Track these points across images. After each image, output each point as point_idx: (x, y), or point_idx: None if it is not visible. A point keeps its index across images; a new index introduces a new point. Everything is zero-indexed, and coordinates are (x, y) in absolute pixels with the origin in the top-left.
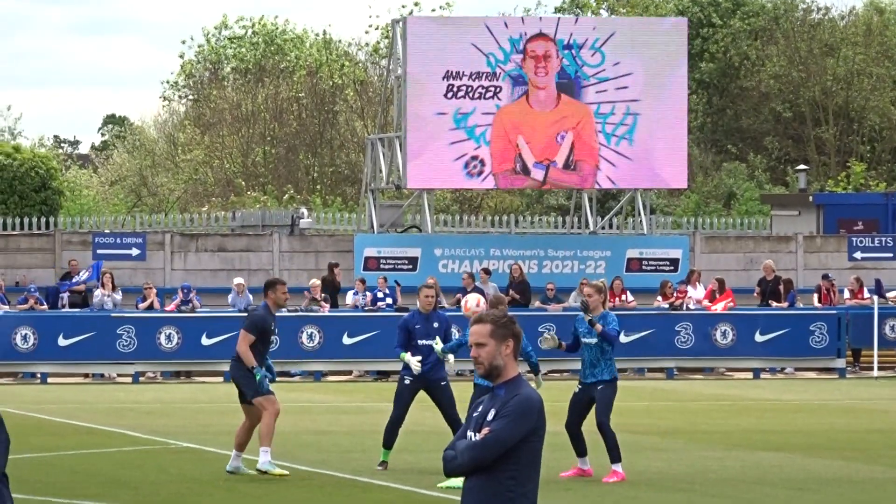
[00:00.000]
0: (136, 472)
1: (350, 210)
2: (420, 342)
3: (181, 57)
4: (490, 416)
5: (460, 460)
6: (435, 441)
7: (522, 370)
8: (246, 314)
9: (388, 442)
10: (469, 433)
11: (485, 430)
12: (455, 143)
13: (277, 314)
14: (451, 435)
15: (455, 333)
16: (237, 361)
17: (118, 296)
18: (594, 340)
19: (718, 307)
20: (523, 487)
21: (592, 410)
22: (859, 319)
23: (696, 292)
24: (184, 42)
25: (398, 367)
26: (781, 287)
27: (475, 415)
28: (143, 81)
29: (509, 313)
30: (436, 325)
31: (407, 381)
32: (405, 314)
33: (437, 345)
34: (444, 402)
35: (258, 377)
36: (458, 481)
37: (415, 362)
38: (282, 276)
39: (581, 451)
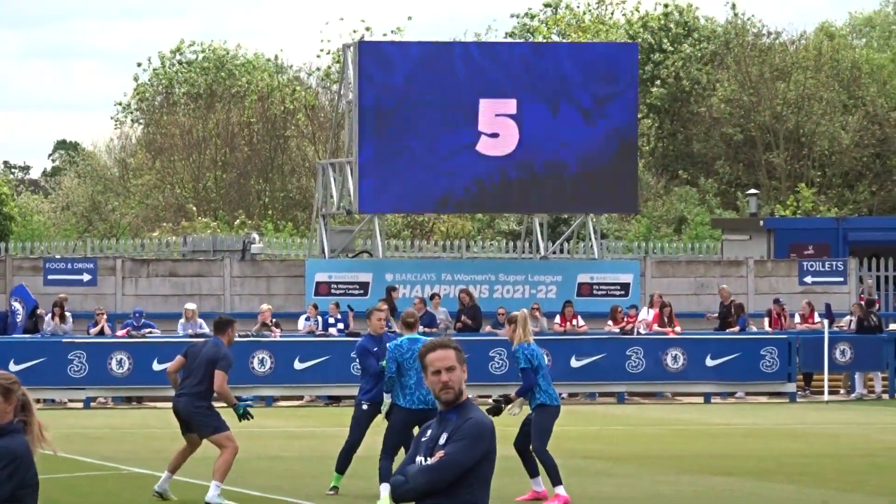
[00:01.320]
0: (86, 497)
1: (301, 235)
2: (382, 363)
3: (135, 80)
4: (442, 441)
5: (413, 484)
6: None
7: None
8: (196, 344)
9: (342, 467)
10: (419, 458)
11: (439, 454)
12: (407, 168)
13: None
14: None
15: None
16: (195, 398)
17: (67, 325)
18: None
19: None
20: None
21: None
22: (810, 344)
23: (649, 315)
24: (139, 65)
25: (350, 391)
26: (733, 311)
27: (424, 439)
28: (96, 107)
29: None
30: (388, 347)
31: (364, 407)
32: (358, 339)
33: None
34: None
35: (241, 410)
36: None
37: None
38: (233, 301)
39: (532, 471)
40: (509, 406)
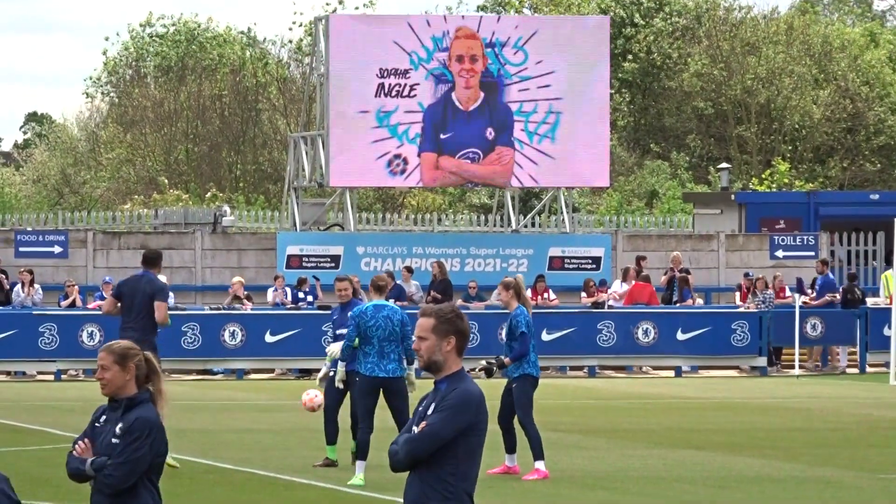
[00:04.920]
0: (57, 469)
1: (273, 208)
2: (338, 332)
3: (104, 54)
4: (430, 411)
5: (400, 455)
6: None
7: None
8: (127, 281)
9: (332, 437)
10: (413, 428)
11: (422, 425)
12: (378, 142)
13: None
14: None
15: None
16: (143, 332)
17: (38, 296)
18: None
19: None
20: (462, 482)
21: None
22: (780, 318)
23: (621, 288)
24: (107, 39)
25: (321, 365)
26: (677, 283)
27: (419, 409)
28: (68, 79)
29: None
30: (350, 314)
31: (331, 374)
32: (328, 311)
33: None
34: (353, 395)
35: None
36: (361, 479)
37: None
38: (204, 274)
39: (511, 447)
40: (492, 365)
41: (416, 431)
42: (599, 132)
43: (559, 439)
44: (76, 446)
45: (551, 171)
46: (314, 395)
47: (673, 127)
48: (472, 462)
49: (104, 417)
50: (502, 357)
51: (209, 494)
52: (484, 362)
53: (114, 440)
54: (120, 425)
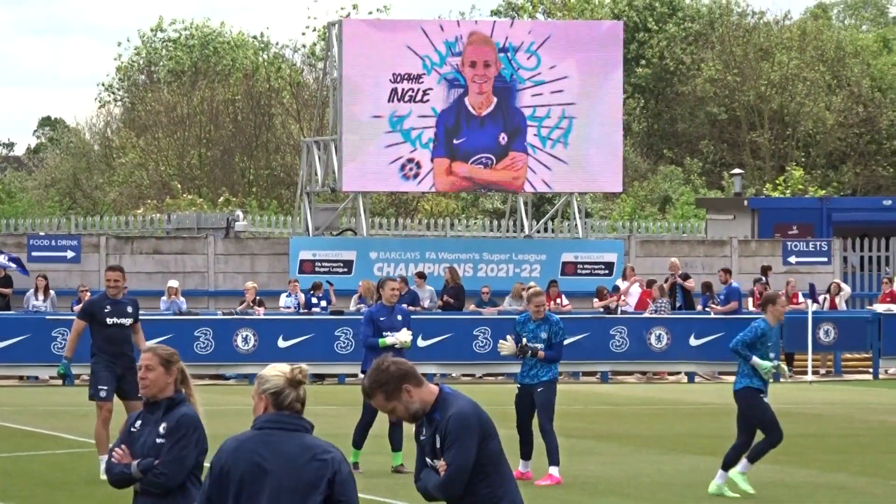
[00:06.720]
0: (70, 474)
1: (286, 213)
2: (385, 335)
3: (116, 59)
4: (438, 443)
5: (435, 495)
6: (378, 445)
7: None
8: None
9: (359, 443)
10: (427, 460)
11: (441, 464)
12: (391, 146)
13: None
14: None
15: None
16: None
17: (46, 304)
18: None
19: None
20: (501, 489)
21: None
22: (793, 324)
23: (633, 289)
24: (119, 44)
25: (334, 370)
26: (692, 287)
27: (422, 438)
28: (84, 83)
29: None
30: (399, 318)
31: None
32: (370, 308)
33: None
34: None
35: (62, 371)
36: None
37: (404, 334)
38: (217, 279)
39: (527, 453)
40: (527, 350)
41: (442, 474)
42: (612, 137)
43: (572, 445)
44: (113, 454)
45: (564, 177)
46: None
47: (686, 132)
48: (500, 466)
49: (140, 422)
50: (537, 347)
51: None
52: (522, 347)
53: (158, 440)
54: (164, 424)
